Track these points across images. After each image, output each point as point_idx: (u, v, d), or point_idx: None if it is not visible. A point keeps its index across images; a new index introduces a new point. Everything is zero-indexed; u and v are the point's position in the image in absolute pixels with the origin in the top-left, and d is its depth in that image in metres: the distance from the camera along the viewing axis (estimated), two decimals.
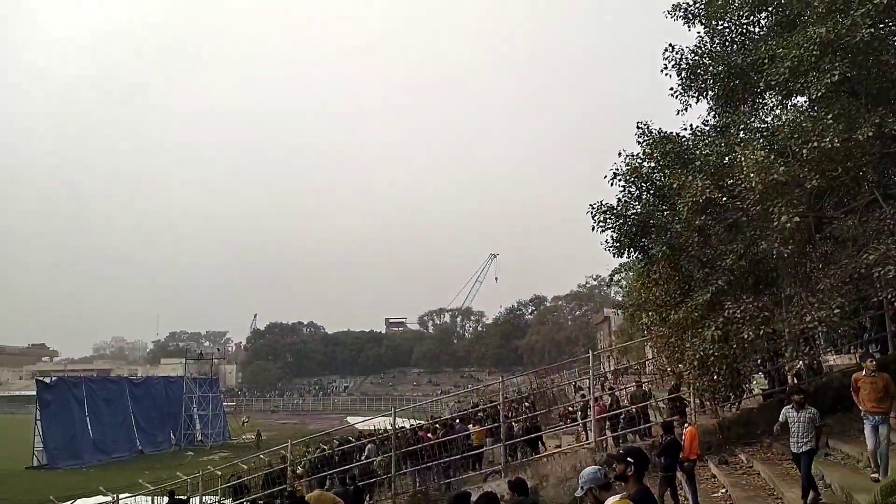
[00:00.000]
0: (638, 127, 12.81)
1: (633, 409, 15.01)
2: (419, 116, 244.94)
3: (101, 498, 18.21)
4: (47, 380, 43.75)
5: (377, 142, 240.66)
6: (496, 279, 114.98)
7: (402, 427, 17.37)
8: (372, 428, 22.01)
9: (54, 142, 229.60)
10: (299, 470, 17.83)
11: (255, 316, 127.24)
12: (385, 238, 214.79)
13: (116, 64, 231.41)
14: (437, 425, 18.71)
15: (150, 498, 19.48)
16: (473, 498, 6.07)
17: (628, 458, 4.74)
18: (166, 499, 16.71)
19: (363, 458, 17.44)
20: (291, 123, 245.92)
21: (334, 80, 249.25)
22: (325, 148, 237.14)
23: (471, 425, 18.30)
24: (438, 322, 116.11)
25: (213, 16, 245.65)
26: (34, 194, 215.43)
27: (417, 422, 21.62)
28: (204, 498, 19.14)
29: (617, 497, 4.48)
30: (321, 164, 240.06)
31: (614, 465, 4.87)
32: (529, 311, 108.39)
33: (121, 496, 17.94)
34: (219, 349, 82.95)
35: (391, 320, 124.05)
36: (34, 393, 43.74)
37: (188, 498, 18.51)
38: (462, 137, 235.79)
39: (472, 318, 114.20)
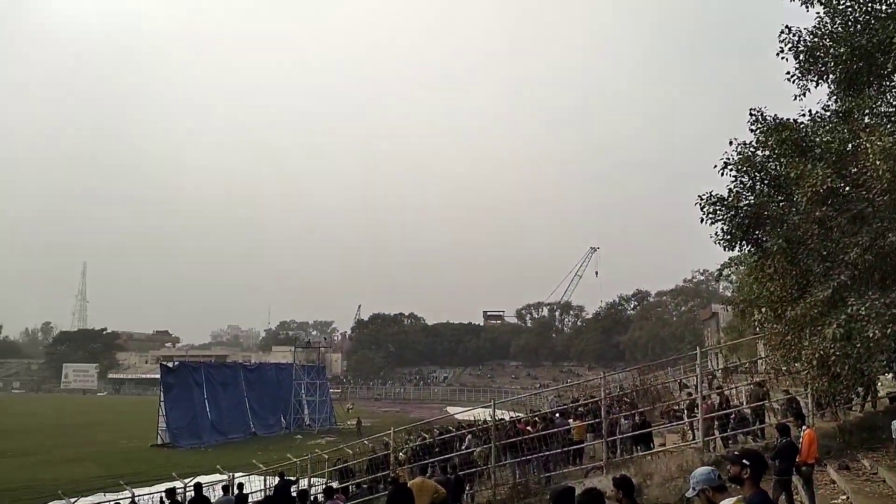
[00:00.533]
0: (751, 114, 12.14)
1: (747, 409, 14.34)
2: (520, 106, 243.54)
3: (217, 476, 19.45)
4: (170, 364, 46.95)
5: (478, 134, 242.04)
6: (596, 273, 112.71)
7: (502, 419, 17.45)
8: (471, 419, 22.24)
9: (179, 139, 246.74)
10: (401, 457, 18.33)
11: (360, 307, 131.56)
12: (483, 231, 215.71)
13: None
14: (537, 418, 18.64)
15: (262, 478, 20.61)
16: (577, 493, 6.02)
17: (744, 461, 4.56)
18: (277, 479, 17.67)
19: (463, 448, 17.66)
20: (392, 118, 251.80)
21: (435, 69, 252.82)
22: (428, 141, 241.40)
23: (571, 420, 18.11)
24: (536, 316, 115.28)
25: None
26: (159, 195, 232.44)
27: (517, 414, 21.64)
28: (311, 479, 20.03)
29: (732, 500, 4.33)
30: (424, 158, 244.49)
31: (728, 467, 4.71)
32: (631, 306, 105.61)
33: (236, 475, 19.09)
34: (325, 338, 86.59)
35: (489, 313, 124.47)
36: (158, 376, 47.30)
37: (297, 479, 19.49)
38: (565, 129, 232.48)
39: (572, 312, 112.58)
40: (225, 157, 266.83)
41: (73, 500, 14.52)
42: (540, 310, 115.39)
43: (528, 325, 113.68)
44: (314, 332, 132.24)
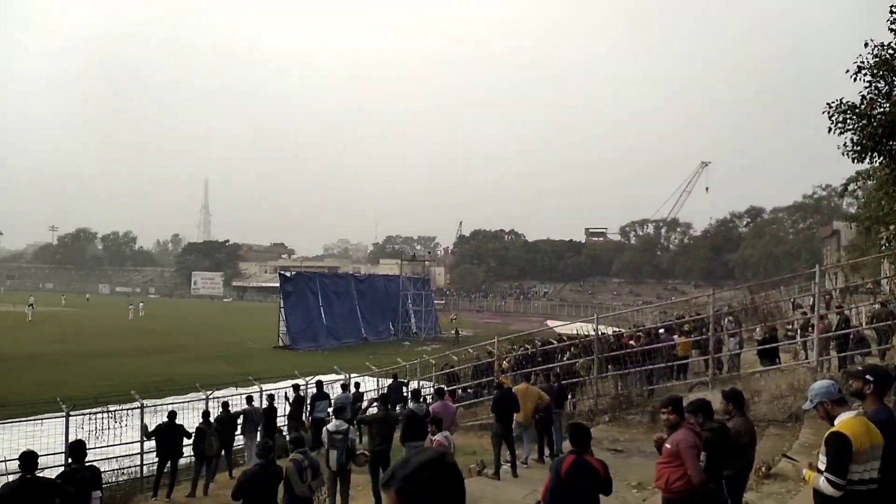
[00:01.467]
0: (891, 12, 11.01)
1: (868, 330, 13.74)
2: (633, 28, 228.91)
3: (334, 375, 21.02)
4: (288, 274, 49.97)
5: (582, 51, 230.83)
6: (706, 189, 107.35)
7: (604, 333, 17.64)
8: (573, 332, 22.59)
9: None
10: (505, 364, 19.07)
11: (461, 223, 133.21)
12: (585, 149, 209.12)
13: None
14: (641, 333, 18.70)
15: (375, 379, 22.10)
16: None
17: (867, 376, 4.55)
18: (390, 380, 18.95)
19: (565, 359, 18.10)
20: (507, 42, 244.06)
21: None
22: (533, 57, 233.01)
23: (676, 336, 18.04)
24: (641, 233, 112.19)
25: None
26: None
27: (619, 329, 21.74)
28: (420, 382, 21.31)
29: (852, 413, 4.35)
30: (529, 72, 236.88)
31: (850, 382, 4.72)
32: (744, 223, 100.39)
33: (351, 375, 20.58)
34: (429, 252, 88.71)
35: (591, 230, 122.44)
36: (278, 284, 50.61)
37: (408, 381, 20.79)
38: (671, 40, 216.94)
39: (679, 229, 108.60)
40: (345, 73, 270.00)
41: (209, 392, 16.18)
42: (645, 227, 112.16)
43: (632, 242, 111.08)
44: (418, 247, 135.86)
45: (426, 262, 68.34)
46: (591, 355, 16.48)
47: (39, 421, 13.90)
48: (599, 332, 16.85)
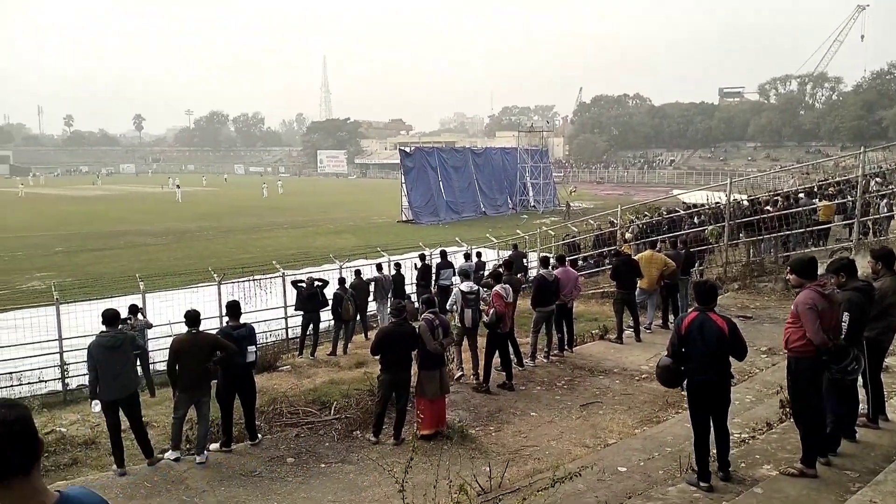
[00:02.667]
0: None
1: None
2: None
3: (455, 247, 21.61)
4: (407, 149, 50.66)
5: None
6: (861, 38, 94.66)
7: (737, 199, 16.71)
8: (702, 201, 21.60)
9: None
10: (628, 235, 18.71)
11: (581, 89, 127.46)
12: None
13: None
14: (778, 198, 17.56)
15: (495, 249, 22.55)
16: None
17: None
18: (510, 251, 19.23)
19: (693, 226, 17.46)
20: None
21: None
22: None
23: (817, 200, 16.79)
24: (783, 91, 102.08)
25: None
26: None
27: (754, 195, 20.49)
28: (542, 252, 21.47)
29: None
30: None
31: None
32: None
33: (473, 246, 21.07)
34: (547, 122, 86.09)
35: (726, 90, 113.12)
36: (397, 161, 51.57)
37: (526, 252, 21.05)
38: None
39: (826, 85, 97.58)
40: None
41: (341, 263, 17.18)
42: (787, 84, 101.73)
43: (772, 101, 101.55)
44: (535, 118, 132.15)
45: (544, 133, 66.41)
46: (722, 222, 15.79)
47: (195, 289, 15.52)
48: (731, 199, 15.99)
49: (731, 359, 5.58)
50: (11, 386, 12.49)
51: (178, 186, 61.72)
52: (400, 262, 16.99)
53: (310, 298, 13.47)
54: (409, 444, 7.30)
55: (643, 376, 9.92)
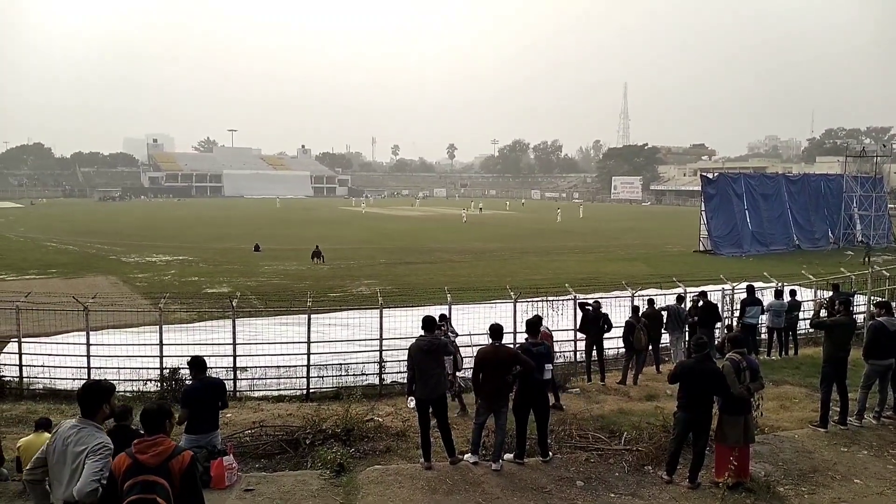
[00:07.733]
0: None
1: None
2: None
3: (762, 283, 19.53)
4: (710, 175, 47.66)
5: None
6: None
7: None
8: None
9: None
10: None
11: None
12: None
13: None
14: None
15: (812, 289, 19.94)
16: None
17: None
18: (829, 291, 16.79)
19: None
20: None
21: None
22: None
23: None
24: None
25: None
26: None
27: None
28: (872, 297, 18.33)
29: None
30: None
31: None
32: None
33: (783, 283, 18.84)
34: (883, 146, 73.88)
35: None
36: (697, 188, 48.75)
37: (854, 293, 18.13)
38: None
39: None
40: None
41: (633, 291, 16.69)
42: None
43: None
44: (867, 140, 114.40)
45: (877, 158, 56.89)
46: None
47: (492, 304, 16.48)
48: None
49: None
50: (340, 375, 14.58)
51: (480, 209, 66.79)
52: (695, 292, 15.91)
53: (594, 321, 13.47)
54: (707, 491, 6.82)
55: None
